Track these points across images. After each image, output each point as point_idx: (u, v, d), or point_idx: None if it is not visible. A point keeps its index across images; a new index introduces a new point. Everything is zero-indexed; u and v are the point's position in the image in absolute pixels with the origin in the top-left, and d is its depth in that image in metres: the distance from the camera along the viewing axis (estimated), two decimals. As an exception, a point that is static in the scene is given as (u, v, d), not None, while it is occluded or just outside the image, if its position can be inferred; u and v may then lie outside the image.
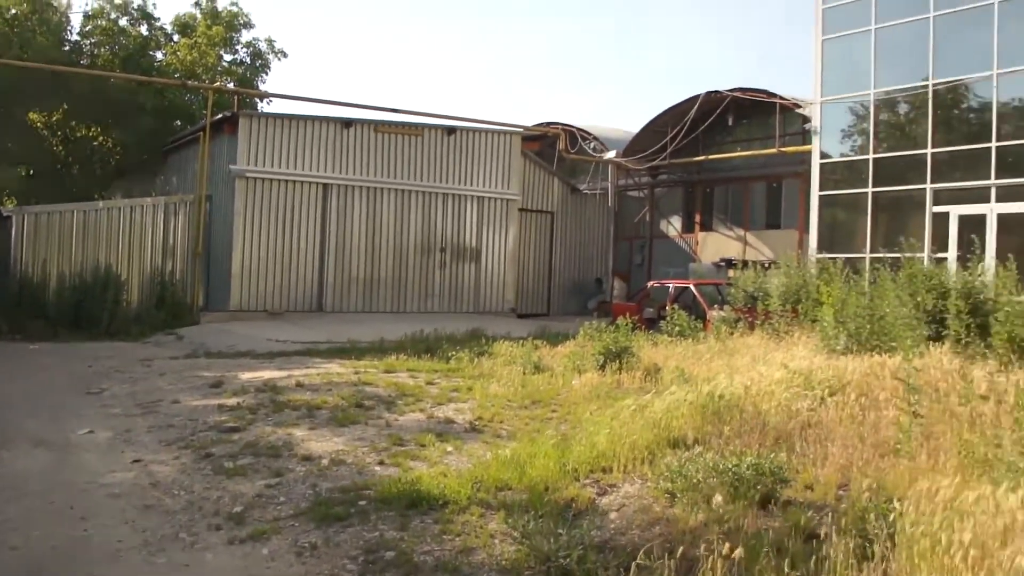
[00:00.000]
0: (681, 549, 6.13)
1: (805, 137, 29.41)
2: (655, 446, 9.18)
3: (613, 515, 7.54)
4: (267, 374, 15.19)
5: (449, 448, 9.87)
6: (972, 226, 21.70)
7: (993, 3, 22.10)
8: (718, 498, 7.29)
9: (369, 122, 29.12)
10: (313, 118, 28.15)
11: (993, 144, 22.05)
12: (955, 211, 22.76)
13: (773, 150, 31.35)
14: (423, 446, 9.93)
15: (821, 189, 26.06)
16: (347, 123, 28.51)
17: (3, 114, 33.53)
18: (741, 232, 34.17)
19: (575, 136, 36.98)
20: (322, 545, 7.05)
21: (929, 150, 23.37)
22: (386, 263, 29.04)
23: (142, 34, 39.40)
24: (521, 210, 32.72)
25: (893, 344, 14.50)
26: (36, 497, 8.58)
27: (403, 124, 29.86)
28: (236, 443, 10.24)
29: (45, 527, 7.71)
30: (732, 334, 18.55)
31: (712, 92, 32.26)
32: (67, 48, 37.02)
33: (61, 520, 7.89)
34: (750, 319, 20.04)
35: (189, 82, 33.93)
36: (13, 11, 34.09)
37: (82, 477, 9.23)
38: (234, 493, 8.40)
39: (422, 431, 10.68)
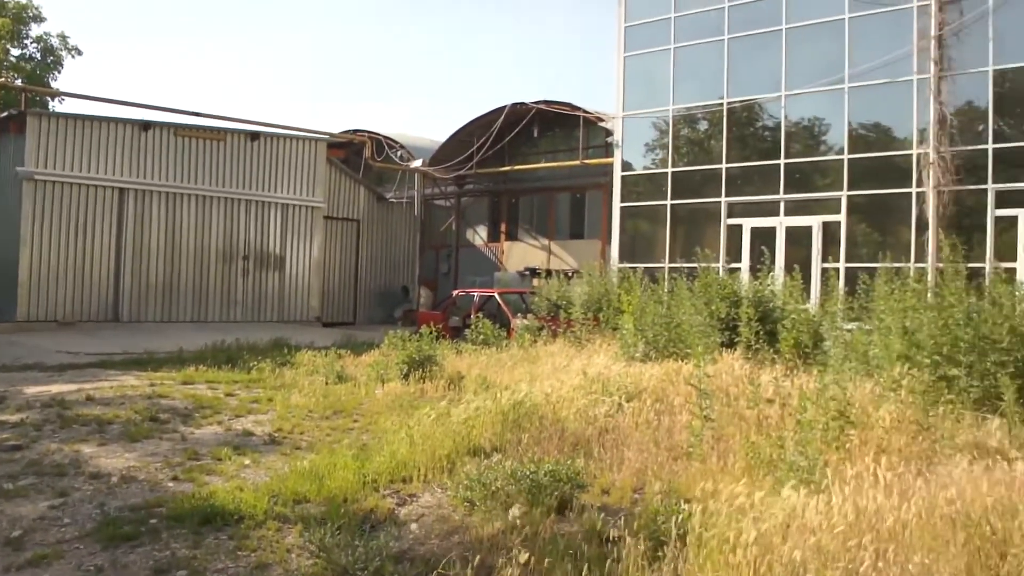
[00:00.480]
0: (479, 558, 6.16)
1: (608, 150, 30.19)
2: (455, 455, 9.22)
3: (412, 525, 7.51)
4: (55, 388, 14.43)
5: (247, 461, 9.61)
6: (763, 238, 22.80)
7: (781, 30, 23.33)
8: (514, 510, 7.34)
9: (169, 125, 28.13)
10: (109, 119, 26.96)
11: (782, 161, 23.21)
12: (748, 223, 23.81)
13: (577, 162, 32.09)
14: (219, 460, 9.63)
15: (622, 201, 26.78)
16: (146, 125, 27.46)
17: None
18: (546, 242, 34.81)
19: (382, 144, 36.86)
20: (109, 567, 6.73)
21: (724, 165, 24.38)
22: (187, 271, 28.12)
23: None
24: (326, 218, 32.31)
25: (689, 351, 15.03)
26: None
27: (205, 128, 29.00)
28: (18, 462, 9.67)
29: None
30: (535, 342, 18.86)
31: (518, 104, 32.74)
32: None
33: None
34: (553, 327, 20.40)
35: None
36: None
37: None
38: (13, 516, 7.92)
39: (219, 444, 10.36)
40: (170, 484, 8.81)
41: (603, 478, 8.47)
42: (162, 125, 27.96)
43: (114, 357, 19.25)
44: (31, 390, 14.35)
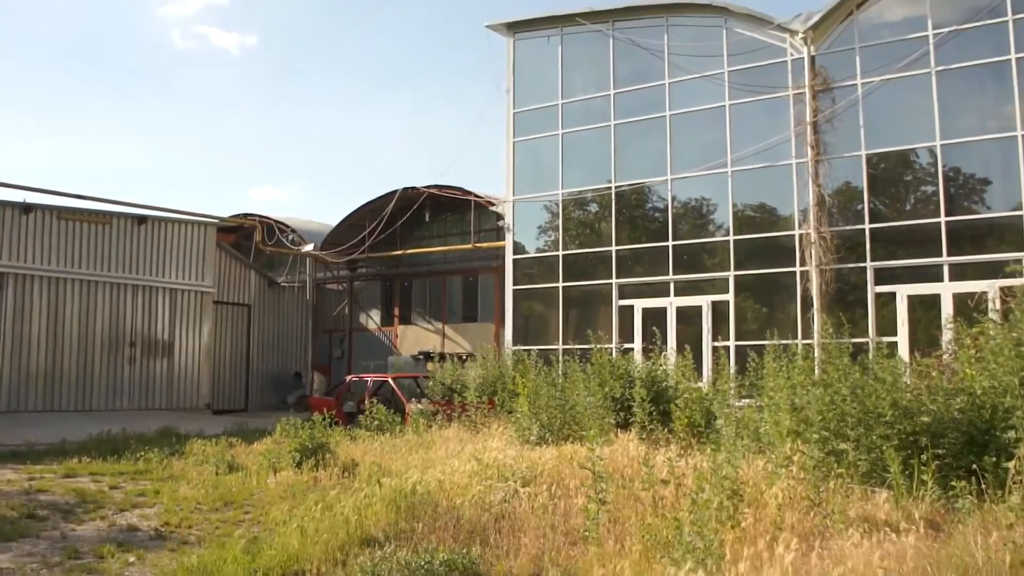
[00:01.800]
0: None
1: (500, 233, 30.44)
2: (348, 546, 8.97)
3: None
4: (-76, 483, 13.74)
5: (131, 559, 9.21)
6: (655, 318, 23.17)
7: (666, 116, 24.02)
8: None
9: (52, 208, 27.49)
10: (-12, 201, 26.24)
11: (670, 243, 23.70)
12: (639, 304, 24.17)
13: (469, 245, 32.32)
14: (102, 558, 9.20)
15: (515, 283, 26.94)
16: (27, 208, 26.76)
17: None
18: (439, 325, 34.78)
19: (272, 228, 36.58)
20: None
21: (614, 247, 24.78)
22: (70, 358, 27.26)
23: None
24: (216, 303, 31.82)
25: (584, 433, 15.03)
26: None
27: (90, 211, 28.42)
28: None
29: None
30: (430, 427, 18.67)
31: (409, 188, 32.90)
32: None
33: None
34: (448, 412, 20.24)
35: None
36: None
37: None
38: None
39: (102, 541, 9.89)
40: (48, 586, 8.40)
41: (500, 566, 8.33)
42: (44, 208, 27.32)
43: (-10, 450, 18.44)
44: (-102, 486, 13.62)
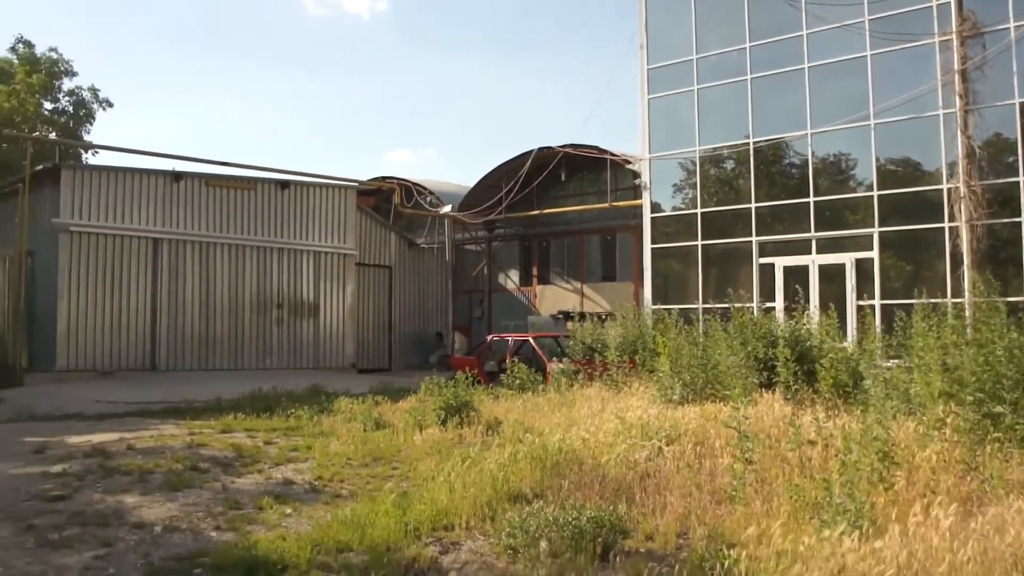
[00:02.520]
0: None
1: (636, 191, 30.28)
2: (496, 501, 9.14)
3: (455, 574, 7.45)
4: (96, 437, 14.49)
5: (288, 510, 9.58)
6: (796, 276, 22.75)
7: (804, 68, 23.40)
8: (543, 544, 7.29)
9: (200, 175, 28.52)
10: (142, 171, 27.38)
11: (811, 199, 23.19)
12: (780, 262, 23.75)
13: (606, 204, 32.19)
14: (261, 509, 9.61)
15: (653, 242, 26.78)
16: (177, 176, 27.83)
17: None
18: (578, 284, 34.83)
19: (411, 191, 37.09)
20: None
21: (753, 204, 24.38)
22: (222, 319, 28.35)
23: (-49, 79, 37.68)
24: (359, 264, 32.52)
25: (727, 392, 14.93)
26: None
27: (235, 178, 29.34)
28: (61, 513, 9.70)
29: None
30: (572, 386, 18.78)
31: (544, 148, 32.93)
32: None
33: None
34: (589, 371, 20.32)
35: (5, 131, 32.58)
36: None
37: None
38: (59, 567, 7.94)
39: (260, 494, 10.33)
40: (213, 534, 8.80)
41: (646, 524, 8.38)
42: (193, 175, 28.36)
43: (153, 406, 19.33)
44: (73, 440, 14.42)
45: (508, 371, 20.57)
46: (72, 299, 25.38)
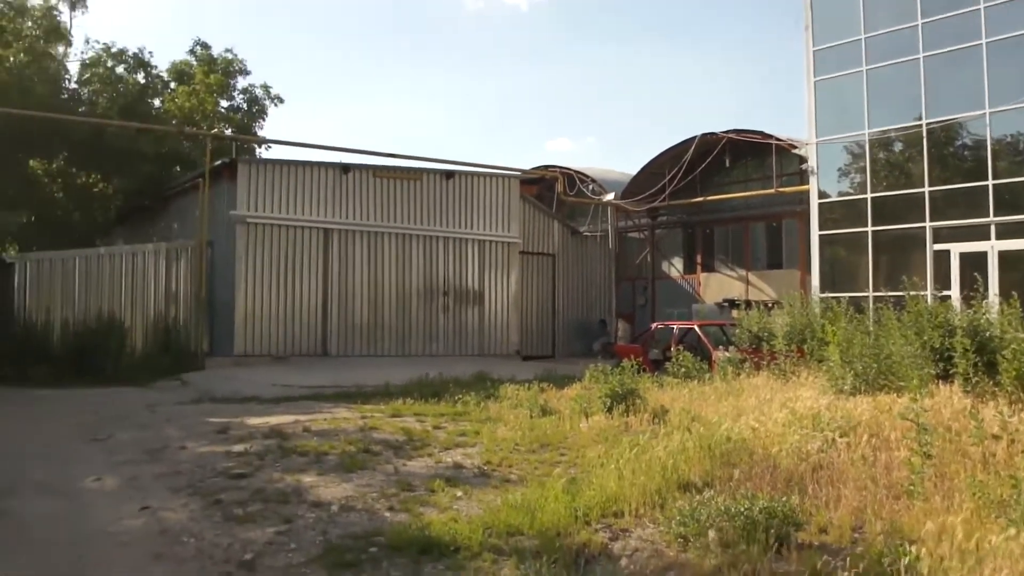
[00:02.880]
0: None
1: (803, 177, 29.59)
2: (665, 490, 9.12)
3: (625, 561, 7.45)
4: (274, 419, 15.10)
5: (459, 493, 9.78)
6: (974, 263, 21.79)
7: (981, 44, 22.37)
8: (712, 533, 7.23)
9: (368, 167, 29.25)
10: (312, 163, 28.28)
11: (990, 182, 22.22)
12: (956, 249, 22.85)
13: (771, 190, 31.56)
14: (433, 491, 9.84)
15: (821, 228, 26.15)
16: (346, 168, 28.62)
17: (4, 161, 33.78)
18: (743, 272, 34.29)
19: (573, 179, 37.12)
20: (335, 593, 6.99)
21: (927, 188, 23.53)
22: (389, 307, 29.04)
23: (139, 82, 39.70)
24: (522, 253, 32.80)
25: (901, 383, 14.43)
26: (45, 546, 8.52)
27: (401, 169, 30.00)
28: (245, 489, 10.16)
29: (54, 577, 7.66)
30: (738, 375, 18.51)
31: (708, 134, 32.51)
32: (65, 96, 37.37)
33: (71, 569, 7.84)
34: (755, 360, 19.98)
35: (187, 129, 34.15)
36: (12, 60, 34.37)
37: (91, 525, 9.17)
38: (244, 540, 8.33)
39: (431, 476, 10.58)
40: (387, 514, 9.06)
41: (819, 516, 8.21)
42: (361, 167, 29.10)
43: (325, 390, 19.98)
44: (252, 421, 15.06)
45: (673, 359, 20.39)
46: (249, 287, 26.45)
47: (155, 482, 11.03)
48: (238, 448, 12.60)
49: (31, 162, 36.59)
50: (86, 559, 8.08)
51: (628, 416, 14.21)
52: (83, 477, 11.45)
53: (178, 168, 36.83)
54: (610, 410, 14.60)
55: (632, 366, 16.20)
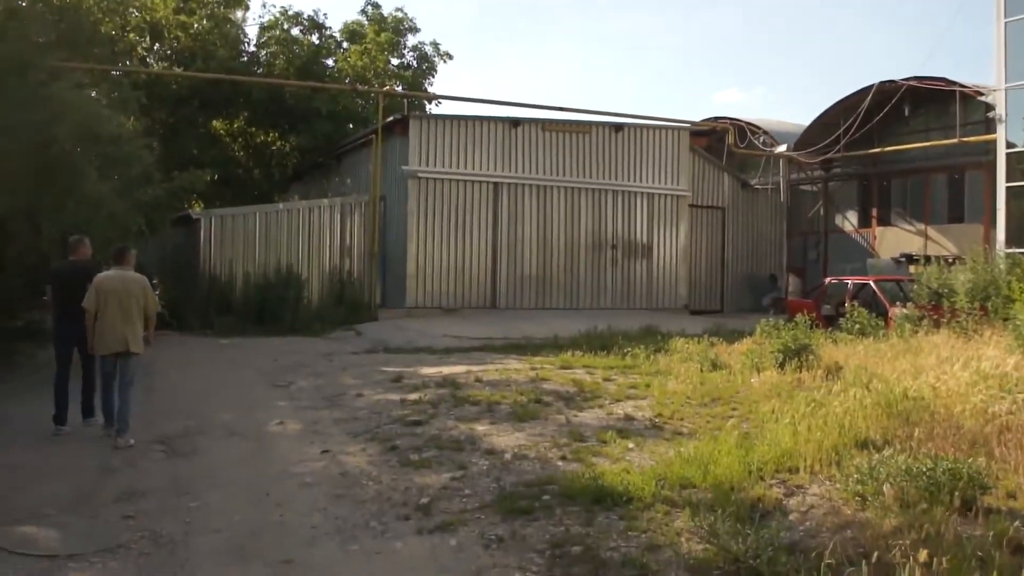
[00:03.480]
0: (876, 554, 5.91)
1: (988, 126, 28.16)
2: (841, 446, 8.89)
3: (801, 517, 7.32)
4: (446, 369, 15.43)
5: (630, 445, 9.79)
6: None
7: None
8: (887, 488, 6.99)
9: (537, 121, 29.30)
10: (481, 118, 28.52)
11: None
12: None
13: (954, 140, 30.10)
14: (604, 443, 9.87)
15: (1008, 180, 24.90)
16: (515, 122, 28.75)
17: (189, 122, 35.42)
18: (921, 226, 32.96)
19: (744, 131, 36.33)
20: (508, 538, 7.10)
21: None
22: (558, 260, 29.15)
23: (314, 43, 40.81)
24: (691, 206, 32.38)
25: (1098, 344, 13.67)
26: (234, 484, 8.97)
27: (570, 122, 29.94)
28: (420, 436, 10.43)
29: (244, 513, 8.04)
30: (916, 333, 17.86)
31: (886, 82, 31.21)
32: (245, 59, 38.85)
33: (258, 507, 8.21)
34: (935, 317, 19.22)
35: (359, 87, 34.93)
36: (196, 27, 35.89)
37: (275, 466, 9.60)
38: (420, 485, 8.56)
39: (602, 428, 10.61)
40: (559, 463, 9.15)
41: (1007, 481, 7.84)
42: (530, 121, 29.14)
43: (494, 342, 20.27)
44: (425, 370, 15.43)
45: (846, 315, 19.84)
46: (420, 241, 26.97)
47: (334, 427, 11.45)
48: (412, 396, 12.93)
49: (214, 123, 38.25)
50: (273, 497, 8.46)
51: (801, 372, 13.88)
52: (267, 421, 11.98)
53: (351, 126, 37.74)
54: (782, 365, 14.30)
55: (805, 321, 15.85)
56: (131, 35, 32.68)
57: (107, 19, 30.25)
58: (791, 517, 7.29)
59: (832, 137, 32.91)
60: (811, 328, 16.04)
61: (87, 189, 15.00)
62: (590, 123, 30.26)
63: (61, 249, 14.18)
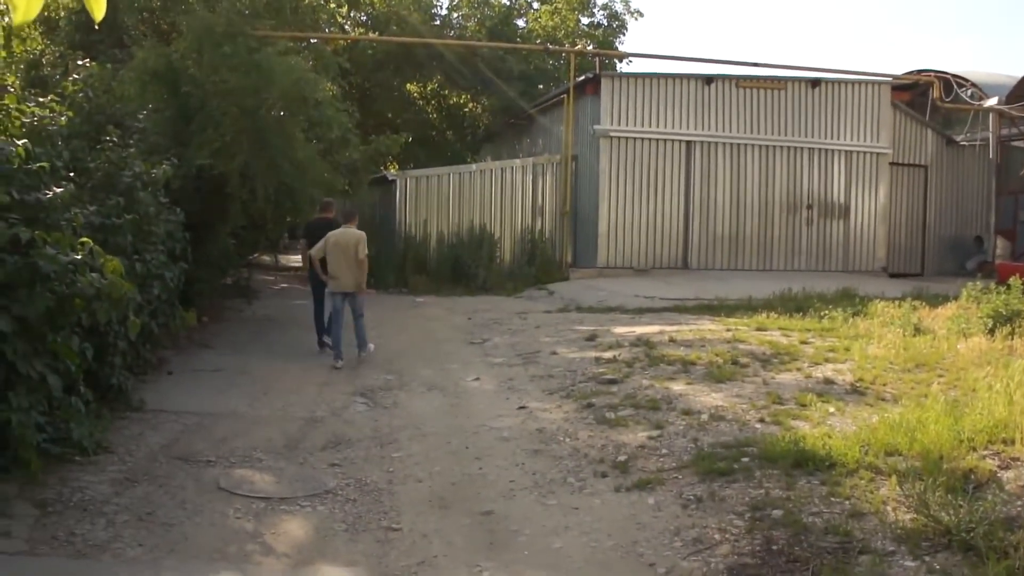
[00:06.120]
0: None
1: None
2: (1061, 418, 8.42)
3: (1018, 491, 6.95)
4: (639, 329, 15.33)
5: (831, 409, 9.53)
6: None
7: None
8: None
9: (730, 77, 28.63)
10: (673, 76, 28.04)
11: None
12: None
13: None
14: (804, 406, 9.65)
15: None
16: (708, 80, 28.18)
17: (385, 87, 36.28)
18: None
19: (950, 84, 34.46)
20: (707, 498, 7.08)
21: None
22: (751, 220, 28.53)
23: (504, 4, 41.07)
24: (892, 164, 31.08)
25: None
26: (434, 437, 9.25)
27: (765, 78, 29.12)
28: (615, 395, 10.47)
29: (444, 464, 8.31)
30: None
31: (1116, 29, 29.09)
32: (437, 23, 39.38)
33: (458, 459, 8.46)
34: None
35: (551, 47, 34.97)
36: (389, -7, 36.74)
37: (473, 420, 9.83)
38: (617, 443, 8.61)
39: (801, 390, 10.35)
40: (757, 425, 9.02)
41: None
42: (724, 78, 28.50)
43: (687, 302, 20.05)
44: (617, 330, 15.41)
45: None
46: (611, 201, 26.87)
47: (529, 384, 11.63)
48: (607, 355, 12.95)
49: (408, 86, 39.02)
50: (472, 450, 8.68)
51: (1012, 339, 13.18)
52: (464, 376, 12.28)
53: (541, 86, 37.84)
54: (992, 332, 13.59)
55: (1018, 285, 15.04)
56: (331, 4, 33.69)
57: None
58: (1007, 490, 6.95)
59: (1050, 89, 30.97)
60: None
61: (298, 151, 15.67)
62: (786, 79, 29.35)
63: (275, 209, 15.43)
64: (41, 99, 11.09)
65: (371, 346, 13.84)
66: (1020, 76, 33.48)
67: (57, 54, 21.58)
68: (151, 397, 10.32)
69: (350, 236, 13.60)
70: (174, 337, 13.56)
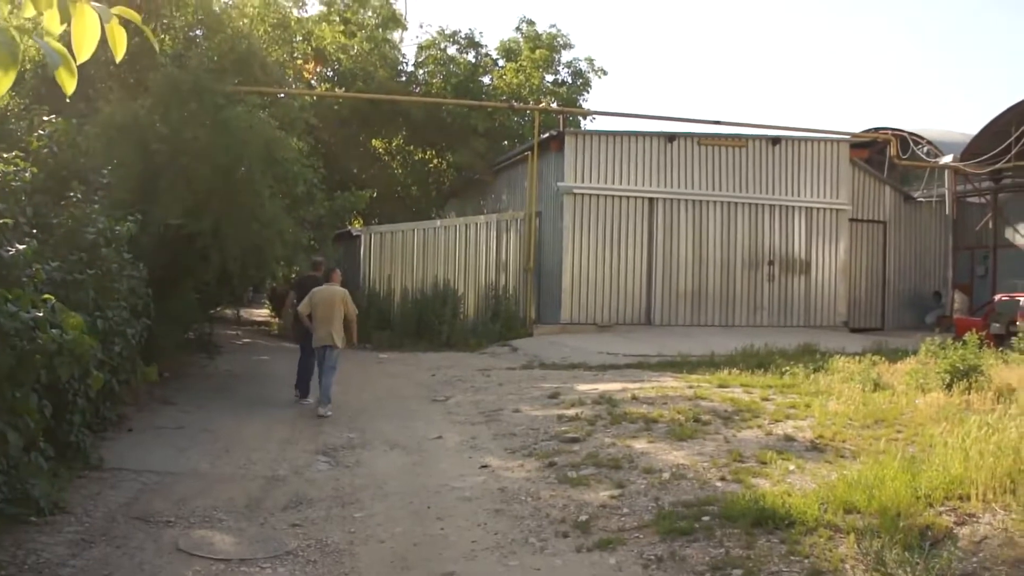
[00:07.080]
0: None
1: None
2: (1016, 474, 8.49)
3: (973, 548, 7.04)
4: (601, 386, 15.40)
5: (791, 466, 9.59)
6: None
7: None
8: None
9: (692, 135, 29.05)
10: (636, 133, 28.45)
11: None
12: None
13: None
14: (764, 463, 9.71)
15: None
16: (670, 137, 28.59)
17: (351, 142, 36.50)
18: (1100, 241, 31.35)
19: (906, 141, 35.11)
20: (668, 558, 7.09)
21: None
22: (713, 276, 28.80)
23: (470, 61, 41.55)
24: (851, 220, 31.55)
25: None
26: (396, 496, 9.23)
27: (727, 136, 29.56)
28: (577, 453, 10.49)
29: (406, 524, 8.28)
30: (1101, 354, 17.00)
31: (1065, 88, 29.82)
32: (403, 79, 39.75)
33: (420, 519, 8.44)
34: None
35: (515, 104, 35.36)
36: (356, 49, 37.00)
37: (435, 480, 9.82)
38: (578, 502, 8.62)
39: (762, 448, 10.41)
40: (718, 484, 9.06)
41: None
42: (686, 136, 28.94)
43: (649, 359, 20.17)
44: (581, 387, 15.47)
45: (1018, 334, 19.02)
46: (575, 257, 27.10)
47: (492, 442, 11.64)
48: (570, 413, 12.99)
49: (374, 141, 39.27)
50: (434, 510, 8.67)
51: (970, 394, 13.36)
52: (427, 435, 12.30)
53: (506, 142, 38.20)
54: (949, 387, 13.77)
55: (974, 340, 15.27)
56: (299, 61, 33.87)
57: (276, 47, 31.33)
58: (962, 547, 7.03)
59: (1003, 146, 31.58)
60: (980, 348, 15.44)
61: (266, 209, 15.72)
62: (746, 136, 29.84)
63: (241, 267, 15.55)
64: (5, 155, 11.09)
65: (330, 411, 13.85)
66: (974, 134, 34.19)
67: (22, 106, 21.56)
68: (111, 455, 10.25)
69: (335, 293, 14.24)
70: (135, 393, 13.48)
